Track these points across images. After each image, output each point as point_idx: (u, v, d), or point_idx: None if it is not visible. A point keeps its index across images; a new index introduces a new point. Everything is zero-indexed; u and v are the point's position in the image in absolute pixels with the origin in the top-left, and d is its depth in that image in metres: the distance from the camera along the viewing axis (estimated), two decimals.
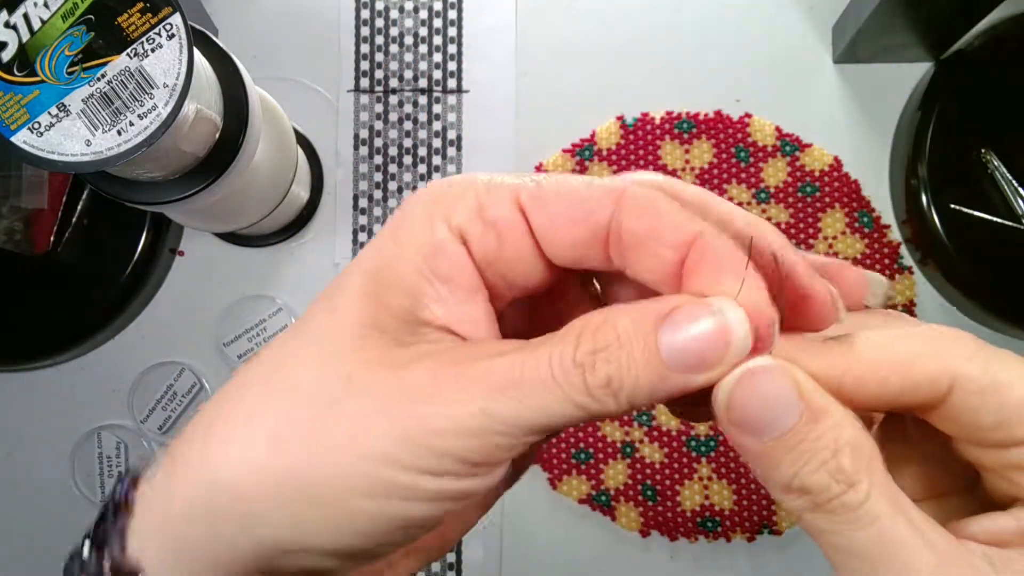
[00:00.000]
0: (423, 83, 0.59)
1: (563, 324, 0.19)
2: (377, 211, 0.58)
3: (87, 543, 0.20)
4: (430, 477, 0.18)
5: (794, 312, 0.20)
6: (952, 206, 0.53)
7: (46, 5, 0.34)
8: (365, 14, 0.59)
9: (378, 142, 0.59)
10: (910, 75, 0.57)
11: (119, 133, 0.34)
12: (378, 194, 0.58)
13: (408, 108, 0.59)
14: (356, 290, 0.20)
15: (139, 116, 0.34)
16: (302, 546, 0.19)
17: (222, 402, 0.20)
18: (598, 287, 0.23)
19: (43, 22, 0.34)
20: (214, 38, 0.41)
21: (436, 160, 0.59)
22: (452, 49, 0.59)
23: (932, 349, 0.19)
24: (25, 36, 0.34)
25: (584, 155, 0.57)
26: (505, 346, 0.19)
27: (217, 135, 0.41)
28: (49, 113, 0.34)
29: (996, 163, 0.53)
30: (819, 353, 0.19)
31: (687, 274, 0.19)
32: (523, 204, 0.20)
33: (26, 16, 0.34)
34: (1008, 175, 0.53)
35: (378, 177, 0.59)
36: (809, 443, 0.18)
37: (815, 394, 0.19)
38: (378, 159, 0.59)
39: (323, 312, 0.20)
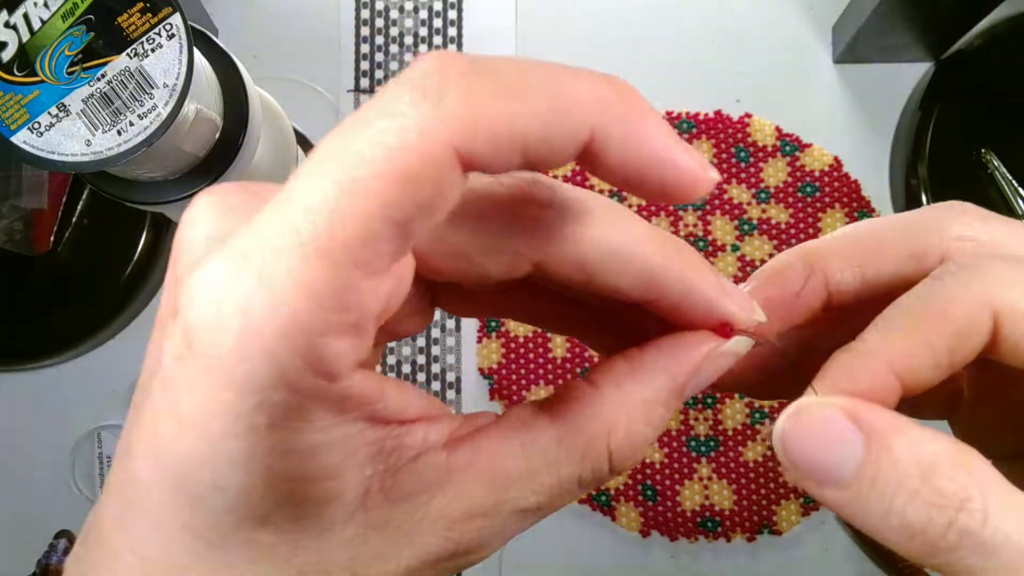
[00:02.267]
0: None
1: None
2: None
3: None
4: None
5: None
6: None
7: (46, 5, 0.34)
8: (365, 14, 0.59)
9: None
10: (910, 75, 0.57)
11: (119, 133, 0.34)
12: None
13: None
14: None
15: (139, 116, 0.34)
16: None
17: None
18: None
19: (43, 22, 0.34)
20: (214, 38, 0.41)
21: None
22: (452, 49, 0.59)
23: (962, 290, 0.17)
24: (25, 36, 0.34)
25: None
26: (506, 475, 0.16)
27: (217, 135, 0.41)
28: (49, 113, 0.34)
29: (996, 163, 0.53)
30: (859, 363, 0.17)
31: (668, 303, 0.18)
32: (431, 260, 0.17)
33: (26, 16, 0.34)
34: (1008, 175, 0.53)
35: None
36: (887, 473, 0.16)
37: (875, 415, 0.16)
38: None
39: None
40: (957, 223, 0.19)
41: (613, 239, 0.17)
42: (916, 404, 0.18)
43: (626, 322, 0.20)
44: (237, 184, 0.17)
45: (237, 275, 0.14)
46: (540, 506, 0.17)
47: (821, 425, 0.16)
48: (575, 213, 0.17)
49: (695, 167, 0.16)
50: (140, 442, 0.16)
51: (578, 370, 0.56)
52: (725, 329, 0.18)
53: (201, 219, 0.16)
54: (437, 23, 0.59)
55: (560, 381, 0.56)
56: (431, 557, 0.16)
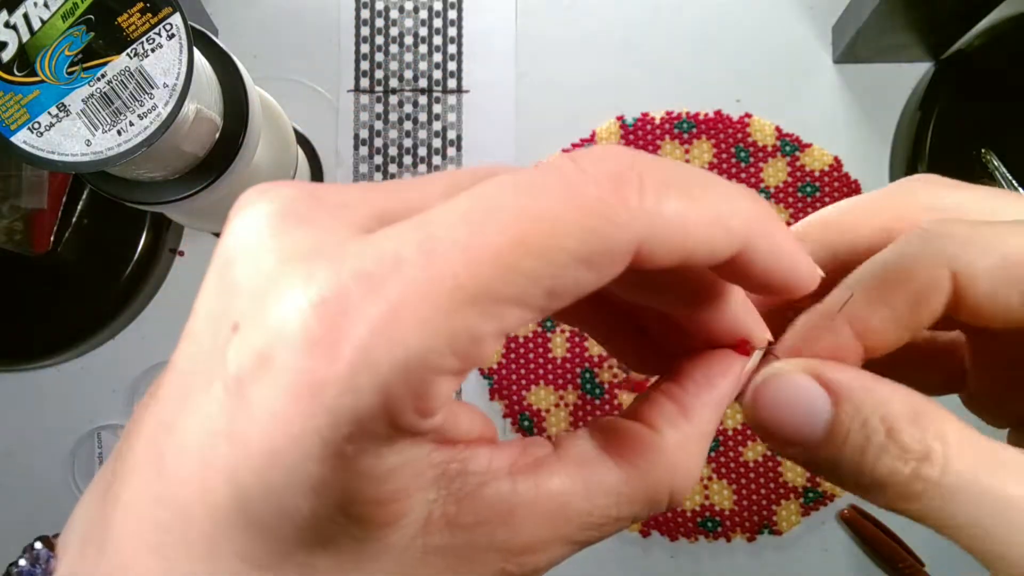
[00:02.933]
0: (423, 83, 0.59)
1: None
2: None
3: None
4: None
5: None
6: None
7: (46, 5, 0.34)
8: (365, 14, 0.59)
9: (378, 142, 0.59)
10: (910, 75, 0.57)
11: (119, 133, 0.34)
12: None
13: (408, 108, 0.59)
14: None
15: (139, 116, 0.34)
16: None
17: None
18: None
19: (43, 22, 0.34)
20: (214, 38, 0.41)
21: (436, 160, 0.59)
22: (452, 49, 0.59)
23: (922, 252, 0.17)
24: (25, 36, 0.34)
25: None
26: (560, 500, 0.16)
27: (217, 135, 0.41)
28: (49, 113, 0.34)
29: (996, 163, 0.53)
30: (820, 324, 0.18)
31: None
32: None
33: (26, 16, 0.34)
34: (1008, 175, 0.53)
35: (378, 177, 0.59)
36: (856, 431, 0.16)
37: (841, 376, 0.17)
38: (378, 159, 0.59)
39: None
40: (925, 193, 0.19)
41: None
42: (920, 381, 0.18)
43: (648, 332, 0.20)
44: (295, 186, 0.16)
45: (359, 296, 0.13)
46: (593, 540, 0.17)
47: (790, 390, 0.17)
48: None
49: (813, 273, 0.17)
50: (179, 463, 0.15)
51: (578, 370, 0.56)
52: (744, 346, 0.19)
53: (263, 224, 0.15)
54: (437, 23, 0.59)
55: (560, 381, 0.56)
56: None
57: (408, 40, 0.59)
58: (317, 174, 0.58)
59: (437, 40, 0.59)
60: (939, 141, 0.54)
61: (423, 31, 0.59)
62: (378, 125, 0.59)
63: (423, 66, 0.59)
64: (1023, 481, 0.16)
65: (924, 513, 0.16)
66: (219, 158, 0.41)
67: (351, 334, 0.13)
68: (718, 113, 0.57)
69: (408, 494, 0.15)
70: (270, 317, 0.14)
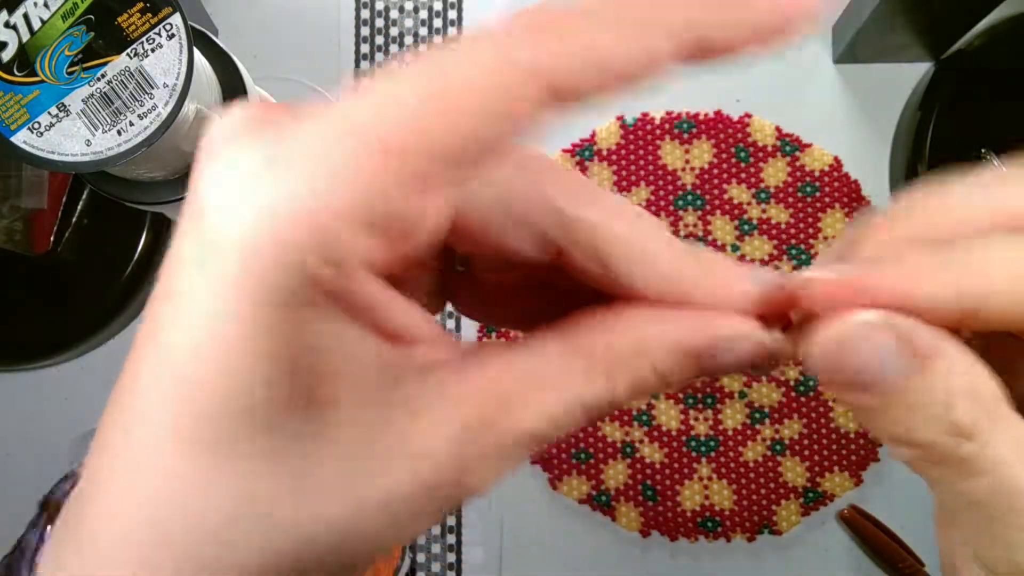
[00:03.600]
0: None
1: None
2: None
3: None
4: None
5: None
6: None
7: (46, 5, 0.34)
8: (365, 14, 0.59)
9: None
10: (910, 75, 0.57)
11: (119, 133, 0.34)
12: None
13: None
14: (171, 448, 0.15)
15: (139, 116, 0.34)
16: None
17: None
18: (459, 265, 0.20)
19: (43, 22, 0.34)
20: (214, 38, 0.41)
21: None
22: None
23: None
24: (25, 36, 0.34)
25: (584, 155, 0.57)
26: (518, 391, 0.16)
27: None
28: (49, 113, 0.34)
29: (996, 163, 0.53)
30: (929, 274, 0.17)
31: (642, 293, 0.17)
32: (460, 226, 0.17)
33: (26, 16, 0.34)
34: None
35: None
36: (916, 395, 0.16)
37: (922, 339, 0.17)
38: None
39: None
40: None
41: (632, 235, 0.17)
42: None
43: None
44: (272, 104, 0.16)
45: (273, 154, 0.14)
46: (544, 432, 0.16)
47: (872, 342, 0.17)
48: (598, 207, 0.17)
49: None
50: (143, 358, 0.16)
51: None
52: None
53: (233, 128, 0.15)
54: (437, 23, 0.59)
55: None
56: (431, 479, 0.15)
57: (408, 40, 0.59)
58: None
59: (437, 40, 0.59)
60: (939, 141, 0.54)
61: (423, 31, 0.59)
62: None
63: None
64: None
65: (936, 479, 0.17)
66: None
67: (260, 194, 0.13)
68: (718, 113, 0.57)
69: (343, 376, 0.15)
70: (203, 189, 0.14)
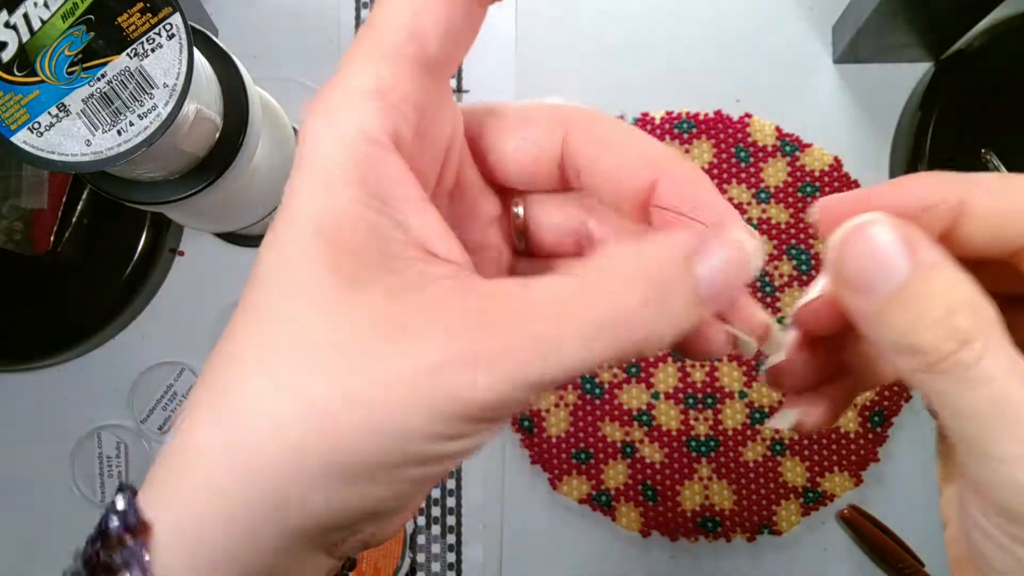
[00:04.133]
0: None
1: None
2: None
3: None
4: (466, 440, 0.18)
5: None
6: None
7: (46, 5, 0.34)
8: (365, 14, 0.59)
9: None
10: (910, 75, 0.57)
11: (119, 133, 0.34)
12: None
13: None
14: (304, 246, 0.18)
15: (139, 116, 0.34)
16: (345, 519, 0.18)
17: (221, 389, 0.18)
18: (519, 210, 0.23)
19: (43, 22, 0.34)
20: (214, 38, 0.41)
21: None
22: None
23: None
24: (25, 36, 0.34)
25: None
26: (547, 290, 0.18)
27: (217, 135, 0.41)
28: (49, 113, 0.34)
29: (996, 163, 0.53)
30: (932, 189, 0.20)
31: (660, 204, 0.20)
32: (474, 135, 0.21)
33: (26, 16, 0.34)
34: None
35: None
36: (921, 300, 0.18)
37: (928, 249, 0.18)
38: None
39: (281, 286, 0.18)
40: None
41: (624, 126, 0.21)
42: None
43: None
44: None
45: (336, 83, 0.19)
46: (554, 345, 0.18)
47: (879, 242, 0.18)
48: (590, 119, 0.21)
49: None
50: (283, 213, 0.19)
51: None
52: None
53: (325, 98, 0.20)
54: None
55: None
56: (440, 357, 0.17)
57: None
58: None
59: None
60: (939, 141, 0.54)
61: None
62: None
63: None
64: None
65: (938, 388, 0.18)
66: (219, 158, 0.41)
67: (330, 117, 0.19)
68: (718, 113, 0.57)
69: (427, 238, 0.19)
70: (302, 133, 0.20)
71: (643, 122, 0.57)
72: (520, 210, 0.23)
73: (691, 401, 0.55)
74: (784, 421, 0.23)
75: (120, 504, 0.18)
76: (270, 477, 0.17)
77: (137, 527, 0.18)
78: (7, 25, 0.34)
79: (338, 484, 0.17)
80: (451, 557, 0.56)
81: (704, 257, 0.18)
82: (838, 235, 0.19)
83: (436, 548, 0.56)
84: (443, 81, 0.20)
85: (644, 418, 0.55)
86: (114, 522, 0.18)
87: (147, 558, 0.18)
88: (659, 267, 0.18)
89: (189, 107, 0.36)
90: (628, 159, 0.20)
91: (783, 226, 0.56)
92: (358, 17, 0.59)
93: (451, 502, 0.56)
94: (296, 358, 0.17)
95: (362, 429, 0.17)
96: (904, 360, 0.18)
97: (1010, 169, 0.53)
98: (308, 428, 0.17)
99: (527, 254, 0.24)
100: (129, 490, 0.19)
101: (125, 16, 0.34)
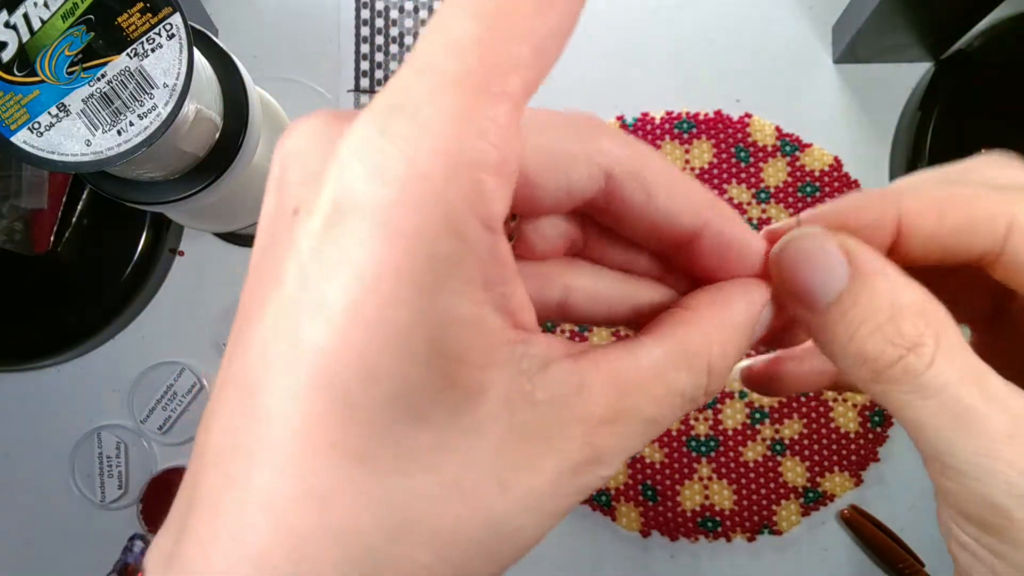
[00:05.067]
0: None
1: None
2: None
3: None
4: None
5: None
6: None
7: (46, 5, 0.34)
8: (365, 14, 0.59)
9: None
10: (910, 75, 0.57)
11: (119, 133, 0.34)
12: None
13: None
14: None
15: (139, 116, 0.34)
16: None
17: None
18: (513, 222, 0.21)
19: (43, 22, 0.34)
20: (214, 38, 0.41)
21: None
22: None
23: (989, 191, 0.18)
24: (25, 36, 0.34)
25: None
26: (632, 373, 0.17)
27: (217, 135, 0.41)
28: (49, 113, 0.34)
29: None
30: (868, 204, 0.19)
31: (702, 248, 0.19)
32: (532, 176, 0.17)
33: (26, 16, 0.34)
34: None
35: None
36: (862, 306, 0.17)
37: (868, 256, 0.18)
38: None
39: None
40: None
41: (671, 169, 0.18)
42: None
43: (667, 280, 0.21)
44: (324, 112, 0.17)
45: (388, 124, 0.13)
46: (656, 418, 0.17)
47: (816, 251, 0.18)
48: (639, 147, 0.18)
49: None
50: (265, 362, 0.14)
51: None
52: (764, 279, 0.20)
53: (305, 137, 0.16)
54: None
55: None
56: (573, 464, 0.16)
57: (408, 40, 0.59)
58: None
59: None
60: (939, 141, 0.54)
61: (423, 31, 0.59)
62: None
63: None
64: (995, 404, 0.17)
65: (892, 400, 0.17)
66: (219, 158, 0.41)
67: (397, 157, 0.13)
68: (718, 113, 0.57)
69: (488, 362, 0.14)
70: (324, 187, 0.14)
71: (643, 122, 0.57)
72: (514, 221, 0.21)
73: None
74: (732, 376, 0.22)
75: None
76: None
77: None
78: (7, 25, 0.34)
79: None
80: None
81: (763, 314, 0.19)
82: (777, 247, 0.19)
83: None
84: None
85: None
86: None
87: None
88: (740, 328, 0.19)
89: (189, 107, 0.36)
90: (675, 210, 0.18)
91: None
92: (358, 17, 0.59)
93: None
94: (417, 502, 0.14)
95: (510, 553, 0.16)
96: (856, 371, 0.18)
97: None
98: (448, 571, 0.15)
99: (517, 257, 0.22)
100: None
101: (125, 16, 0.34)
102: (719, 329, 0.18)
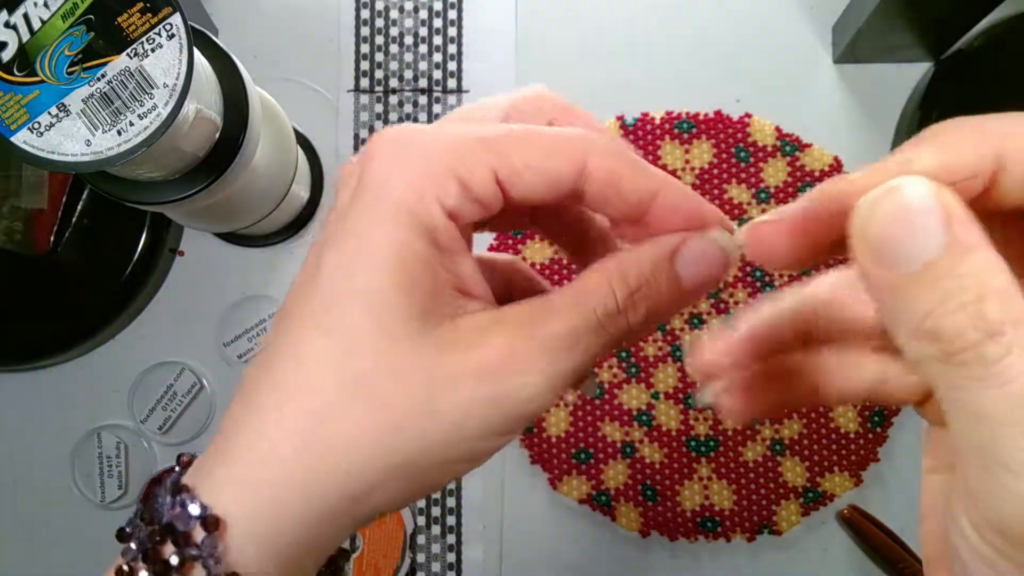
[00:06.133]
0: (423, 83, 0.59)
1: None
2: None
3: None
4: (509, 435, 0.22)
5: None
6: None
7: (46, 5, 0.34)
8: (365, 14, 0.59)
9: None
10: (910, 75, 0.57)
11: (119, 133, 0.34)
12: None
13: (408, 108, 0.59)
14: (389, 280, 0.21)
15: (139, 116, 0.34)
16: (397, 507, 0.22)
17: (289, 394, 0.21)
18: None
19: (43, 22, 0.34)
20: (214, 38, 0.41)
21: None
22: (452, 49, 0.59)
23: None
24: (25, 36, 0.34)
25: None
26: (543, 306, 0.22)
27: (217, 135, 0.41)
28: (49, 113, 0.34)
29: None
30: (967, 150, 0.18)
31: (659, 218, 0.23)
32: (502, 180, 0.22)
33: (26, 16, 0.34)
34: None
35: None
36: (952, 280, 0.16)
37: (967, 226, 0.16)
38: None
39: (361, 306, 0.21)
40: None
41: (617, 166, 0.22)
42: None
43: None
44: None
45: (413, 139, 0.22)
46: (563, 335, 0.21)
47: (918, 211, 0.16)
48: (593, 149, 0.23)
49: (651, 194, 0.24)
50: (353, 242, 0.21)
51: None
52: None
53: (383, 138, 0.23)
54: (437, 23, 0.59)
55: None
56: (492, 364, 0.21)
57: (408, 40, 0.59)
58: (317, 174, 0.58)
59: (437, 40, 0.59)
60: None
61: (423, 31, 0.59)
62: (378, 125, 0.59)
63: (423, 66, 0.59)
64: None
65: (951, 382, 0.16)
66: (219, 158, 0.41)
67: (413, 154, 0.22)
68: (718, 113, 0.57)
69: (442, 306, 0.22)
70: (366, 158, 0.22)
71: (643, 122, 0.57)
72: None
73: (691, 401, 0.55)
74: (705, 396, 0.24)
75: (194, 508, 0.20)
76: (345, 480, 0.20)
77: (209, 522, 0.20)
78: (7, 25, 0.34)
79: (401, 482, 0.21)
80: (451, 557, 0.56)
81: (686, 251, 0.22)
82: (870, 196, 0.17)
83: (436, 548, 0.56)
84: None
85: (644, 418, 0.55)
86: (182, 518, 0.20)
87: (220, 549, 0.20)
88: (650, 262, 0.22)
89: (189, 107, 0.36)
90: (634, 193, 0.22)
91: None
92: (358, 17, 0.59)
93: (451, 502, 0.56)
94: (380, 375, 0.21)
95: (430, 436, 0.21)
96: (920, 346, 0.17)
97: None
98: (383, 440, 0.20)
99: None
100: (185, 489, 0.21)
101: (125, 16, 0.34)
102: (617, 260, 0.22)
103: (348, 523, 0.21)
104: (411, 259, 0.21)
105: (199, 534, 0.20)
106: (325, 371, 0.21)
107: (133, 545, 0.21)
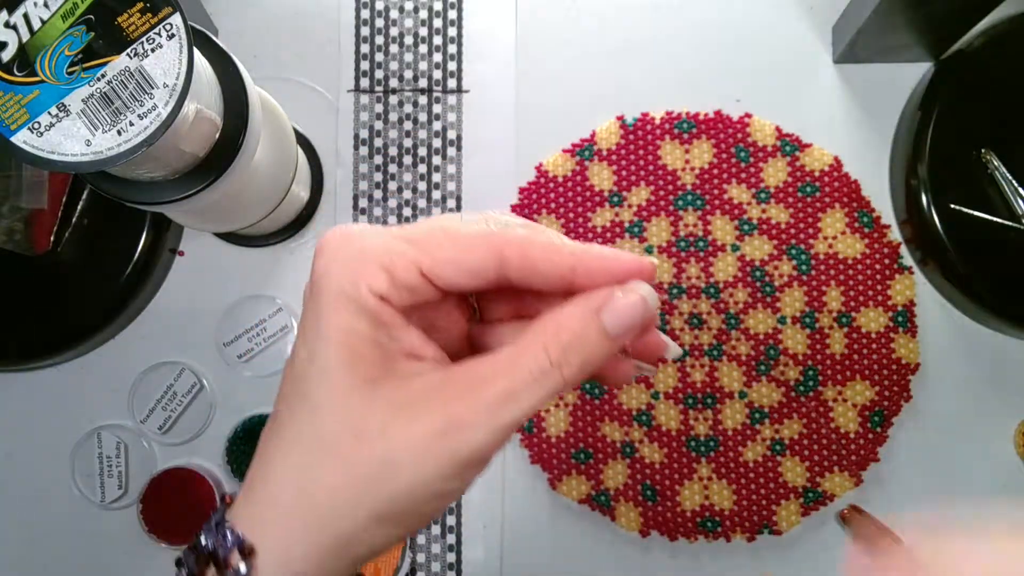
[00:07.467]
0: (423, 83, 0.59)
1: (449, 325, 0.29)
2: (377, 211, 0.58)
3: None
4: (469, 477, 0.25)
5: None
6: (952, 206, 0.53)
7: (46, 5, 0.34)
8: (365, 14, 0.59)
9: (378, 142, 0.59)
10: (910, 75, 0.57)
11: (119, 133, 0.34)
12: (378, 194, 0.58)
13: (408, 108, 0.59)
14: (336, 357, 0.25)
15: (139, 116, 0.34)
16: (390, 546, 0.26)
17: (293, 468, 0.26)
18: (474, 302, 0.30)
19: (43, 22, 0.34)
20: (214, 38, 0.41)
21: (436, 160, 0.59)
22: (452, 49, 0.59)
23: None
24: (25, 36, 0.34)
25: (584, 155, 0.57)
26: (485, 368, 0.25)
27: (217, 135, 0.41)
28: (49, 113, 0.34)
29: (996, 163, 0.53)
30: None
31: (583, 285, 0.26)
32: (425, 272, 0.26)
33: (26, 16, 0.34)
34: (1008, 175, 0.53)
35: (378, 177, 0.59)
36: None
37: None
38: (378, 159, 0.59)
39: (319, 380, 0.25)
40: None
41: (541, 256, 0.26)
42: None
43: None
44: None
45: (352, 237, 0.26)
46: (511, 390, 0.25)
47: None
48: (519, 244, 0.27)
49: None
50: (313, 329, 0.26)
51: None
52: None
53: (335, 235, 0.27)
54: (437, 23, 0.59)
55: None
56: (436, 428, 0.25)
57: (408, 40, 0.59)
58: (317, 174, 0.58)
59: (437, 40, 0.59)
60: (939, 141, 0.54)
61: (423, 31, 0.59)
62: (378, 125, 0.59)
63: (423, 66, 0.59)
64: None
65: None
66: (219, 158, 0.41)
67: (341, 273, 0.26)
68: (718, 113, 0.57)
69: (394, 369, 0.26)
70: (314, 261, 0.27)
71: (643, 122, 0.57)
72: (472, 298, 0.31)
73: (691, 401, 0.55)
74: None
75: (230, 537, 0.25)
76: (336, 526, 0.25)
77: (245, 550, 0.25)
78: (7, 25, 0.34)
79: (380, 526, 0.25)
80: (451, 557, 0.56)
81: (609, 306, 0.26)
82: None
83: (436, 548, 0.56)
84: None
85: (644, 418, 0.55)
86: (221, 546, 0.25)
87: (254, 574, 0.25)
88: (579, 320, 0.25)
89: (189, 107, 0.36)
90: (554, 270, 0.26)
91: (783, 226, 0.56)
92: (358, 17, 0.59)
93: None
94: (343, 436, 0.25)
95: (395, 484, 0.24)
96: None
97: (1010, 169, 0.53)
98: (358, 490, 0.24)
99: (482, 320, 0.31)
100: (227, 524, 0.25)
101: (125, 16, 0.34)
102: (550, 321, 0.26)
103: (347, 564, 0.25)
104: (354, 337, 0.25)
105: (235, 558, 0.25)
106: (304, 432, 0.25)
107: (184, 572, 0.25)
